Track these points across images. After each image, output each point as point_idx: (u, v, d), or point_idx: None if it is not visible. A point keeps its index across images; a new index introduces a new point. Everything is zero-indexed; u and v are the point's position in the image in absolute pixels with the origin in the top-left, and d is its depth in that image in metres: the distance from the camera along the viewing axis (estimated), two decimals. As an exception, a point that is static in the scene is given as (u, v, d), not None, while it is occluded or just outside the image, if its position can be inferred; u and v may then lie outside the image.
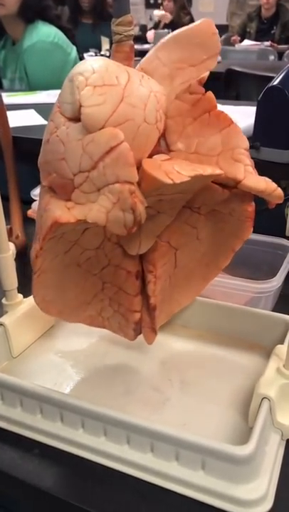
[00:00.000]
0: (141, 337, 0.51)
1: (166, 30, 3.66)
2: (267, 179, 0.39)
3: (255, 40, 3.86)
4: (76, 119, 0.35)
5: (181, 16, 4.15)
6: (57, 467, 0.41)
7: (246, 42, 3.83)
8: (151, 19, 5.04)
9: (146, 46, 3.78)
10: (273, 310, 0.59)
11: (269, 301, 0.61)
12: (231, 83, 1.44)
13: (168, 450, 0.39)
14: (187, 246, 0.47)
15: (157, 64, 0.40)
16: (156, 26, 4.29)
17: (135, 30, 4.06)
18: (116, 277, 0.45)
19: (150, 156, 0.41)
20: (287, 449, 0.42)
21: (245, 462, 0.37)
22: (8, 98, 1.34)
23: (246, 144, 0.40)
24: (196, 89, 0.40)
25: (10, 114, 0.92)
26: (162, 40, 0.41)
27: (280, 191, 0.39)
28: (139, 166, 0.36)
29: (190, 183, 0.37)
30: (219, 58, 2.85)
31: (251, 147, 0.86)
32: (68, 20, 3.15)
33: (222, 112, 0.40)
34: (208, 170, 0.36)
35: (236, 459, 0.37)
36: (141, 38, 4.13)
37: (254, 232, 0.50)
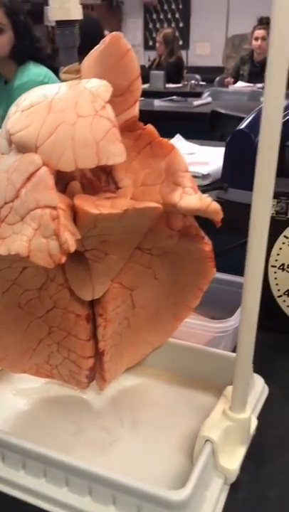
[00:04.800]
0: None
1: (161, 72, 3.77)
2: (202, 196, 0.39)
3: (249, 82, 3.96)
4: (9, 150, 0.36)
5: (167, 58, 4.32)
6: (-6, 510, 0.40)
7: (239, 84, 3.93)
8: (149, 60, 5.20)
9: (143, 86, 3.89)
10: (234, 350, 0.59)
11: (229, 341, 0.61)
12: (216, 124, 1.48)
13: (106, 494, 0.39)
14: (145, 286, 0.46)
15: None
16: (150, 67, 4.45)
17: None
18: (64, 321, 0.44)
19: (99, 194, 0.41)
20: (231, 494, 0.41)
21: (180, 507, 0.37)
22: None
23: (185, 166, 0.39)
24: (135, 127, 0.41)
25: None
26: (81, 69, 0.40)
27: (214, 205, 0.39)
28: (84, 175, 0.37)
29: (129, 219, 0.37)
30: (209, 99, 2.93)
31: (219, 188, 0.88)
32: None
33: (163, 140, 0.40)
34: (142, 204, 0.37)
35: (171, 503, 0.37)
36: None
37: (221, 271, 0.50)
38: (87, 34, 1.92)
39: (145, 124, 0.41)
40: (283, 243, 0.62)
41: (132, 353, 0.50)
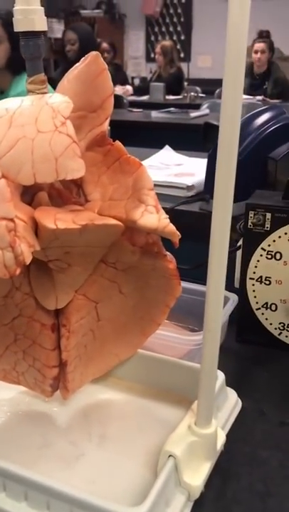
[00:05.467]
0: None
1: (161, 84, 3.80)
2: (161, 217, 0.39)
3: (249, 94, 3.98)
4: None
5: (167, 69, 4.35)
6: None
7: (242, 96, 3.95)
8: (151, 72, 5.24)
9: (143, 98, 3.91)
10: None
11: (205, 354, 0.60)
12: (209, 136, 1.48)
13: (63, 509, 0.38)
14: (110, 299, 0.46)
15: None
16: (150, 79, 4.49)
17: (135, 82, 4.20)
18: (29, 329, 0.44)
19: (67, 205, 0.41)
20: (194, 511, 0.41)
21: (138, 524, 0.36)
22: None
23: (151, 184, 0.40)
24: (104, 142, 0.41)
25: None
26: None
27: (171, 228, 0.39)
28: (53, 185, 0.38)
29: (90, 233, 0.37)
30: (207, 111, 2.94)
31: (202, 199, 0.88)
32: (62, 72, 3.28)
33: (130, 157, 0.41)
34: (102, 220, 0.37)
35: (128, 520, 0.36)
36: (141, 90, 4.28)
37: (203, 282, 0.50)
38: (85, 45, 1.94)
39: (114, 140, 0.42)
40: (261, 255, 0.62)
41: (98, 364, 0.49)
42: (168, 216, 0.40)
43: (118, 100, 3.09)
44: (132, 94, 4.08)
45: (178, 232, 0.40)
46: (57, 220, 0.35)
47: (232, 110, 0.34)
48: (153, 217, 0.39)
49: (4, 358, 0.45)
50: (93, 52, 0.40)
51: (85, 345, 0.46)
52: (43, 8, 0.39)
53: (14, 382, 0.48)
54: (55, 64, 6.04)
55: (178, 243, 0.41)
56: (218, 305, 0.39)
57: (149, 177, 0.40)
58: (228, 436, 0.47)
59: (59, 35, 6.09)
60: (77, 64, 0.40)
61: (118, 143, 0.41)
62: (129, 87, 4.30)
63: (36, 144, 0.35)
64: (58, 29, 6.07)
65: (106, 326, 0.48)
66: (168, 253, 0.44)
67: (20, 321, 0.44)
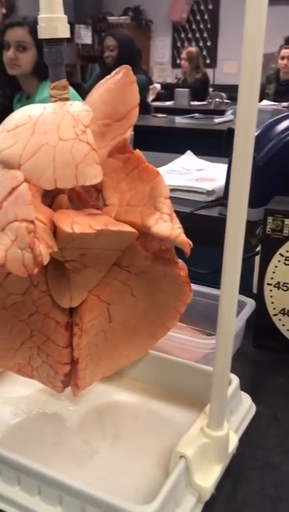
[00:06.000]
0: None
1: (186, 90, 3.80)
2: (175, 226, 0.40)
3: (274, 100, 3.96)
4: None
5: (193, 74, 4.36)
6: None
7: (265, 102, 3.93)
8: (176, 77, 5.26)
9: (168, 103, 3.93)
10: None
11: (221, 358, 0.60)
12: (231, 141, 1.48)
13: (75, 504, 0.39)
14: (123, 302, 0.47)
15: None
16: (176, 85, 4.51)
17: (157, 88, 4.19)
18: (44, 326, 0.45)
19: (86, 208, 0.43)
20: (204, 512, 0.41)
21: (147, 523, 0.36)
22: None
23: (167, 193, 0.41)
24: (124, 150, 0.42)
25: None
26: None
27: (182, 238, 0.40)
28: (73, 188, 0.39)
29: (105, 238, 0.38)
30: (232, 117, 2.93)
31: (221, 205, 0.88)
32: (98, 76, 3.31)
33: (149, 165, 0.42)
34: (117, 227, 0.38)
35: (138, 518, 0.36)
36: (166, 96, 4.29)
37: (220, 287, 0.50)
38: (124, 52, 1.97)
39: (134, 148, 0.43)
40: (279, 261, 0.62)
41: (109, 363, 0.50)
42: (181, 226, 0.41)
43: (144, 106, 3.10)
44: (155, 100, 4.09)
45: (190, 242, 0.41)
46: (74, 223, 0.37)
47: (247, 116, 0.34)
48: (166, 226, 0.40)
49: (20, 352, 0.47)
50: (124, 66, 0.42)
51: (96, 345, 0.47)
52: (66, 16, 0.41)
53: (28, 376, 0.49)
54: (81, 69, 6.12)
55: (189, 253, 0.41)
56: (231, 309, 0.40)
57: (166, 186, 0.41)
58: (241, 440, 0.47)
59: (86, 41, 6.18)
60: (109, 76, 0.42)
61: (138, 151, 0.42)
62: (157, 85, 4.32)
63: (58, 151, 0.37)
64: (86, 35, 6.15)
65: (117, 327, 0.49)
66: (180, 260, 0.45)
67: (36, 318, 0.45)
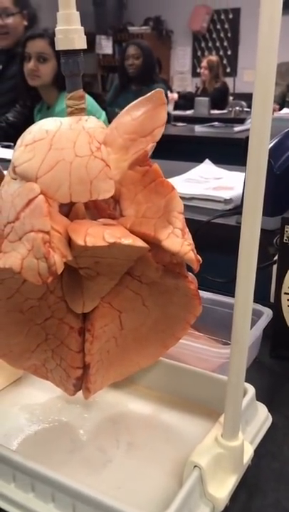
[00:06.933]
0: (96, 395, 0.51)
1: (206, 99, 3.81)
2: (186, 243, 0.41)
3: (298, 109, 3.94)
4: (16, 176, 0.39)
5: (212, 83, 4.37)
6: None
7: (285, 110, 3.92)
8: (196, 86, 5.27)
9: (188, 112, 3.94)
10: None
11: (237, 367, 0.60)
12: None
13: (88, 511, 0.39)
14: (134, 311, 0.48)
15: (114, 135, 0.44)
16: (195, 93, 4.53)
17: (174, 97, 4.20)
18: (59, 331, 0.46)
19: (102, 217, 0.43)
20: (218, 523, 0.41)
21: (159, 533, 0.36)
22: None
23: (181, 208, 0.42)
24: (144, 162, 0.43)
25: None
26: (120, 112, 0.45)
27: (190, 255, 0.41)
28: (88, 204, 0.40)
29: (118, 249, 0.39)
30: (252, 125, 2.93)
31: (238, 213, 0.87)
32: (116, 87, 3.35)
33: (165, 180, 0.43)
34: (128, 241, 0.38)
35: (150, 528, 0.36)
36: (186, 105, 4.30)
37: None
38: (147, 61, 2.03)
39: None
40: (296, 270, 0.61)
41: (119, 369, 0.51)
42: (192, 243, 0.42)
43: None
44: (175, 108, 4.10)
45: (199, 259, 0.42)
46: (87, 235, 0.37)
47: (261, 124, 0.34)
48: (177, 242, 0.40)
49: (36, 354, 0.48)
50: (159, 89, 0.43)
51: (107, 351, 0.48)
52: (82, 27, 0.41)
53: (43, 377, 0.50)
54: (102, 79, 6.19)
55: (198, 269, 0.42)
56: (245, 316, 0.40)
57: (180, 201, 0.42)
58: (256, 451, 0.46)
59: (107, 52, 6.25)
60: (142, 97, 0.43)
61: (156, 165, 0.43)
62: (175, 94, 4.34)
63: (74, 167, 0.38)
64: (106, 45, 6.22)
65: (128, 335, 0.50)
66: (190, 274, 0.45)
67: (51, 322, 0.46)
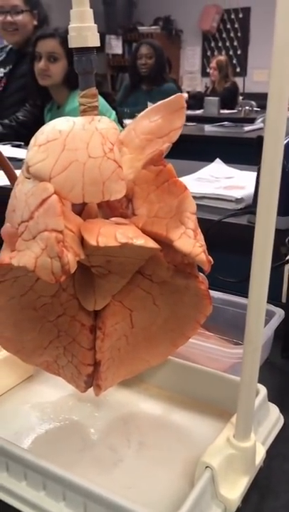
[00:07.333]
0: (107, 394, 0.51)
1: (216, 98, 3.80)
2: (197, 244, 0.40)
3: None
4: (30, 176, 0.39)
5: (222, 83, 4.35)
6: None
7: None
8: (206, 86, 5.26)
9: (198, 112, 3.93)
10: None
11: (248, 368, 0.60)
12: (261, 149, 1.47)
13: (98, 511, 0.39)
14: (145, 309, 0.48)
15: (132, 136, 0.44)
16: (205, 93, 4.51)
17: (185, 96, 4.23)
18: (71, 328, 0.46)
19: (115, 215, 0.43)
20: (230, 525, 0.40)
21: (171, 533, 0.36)
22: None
23: (193, 208, 0.42)
24: (158, 162, 0.43)
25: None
26: (139, 114, 0.45)
27: (202, 257, 0.41)
28: (101, 203, 0.40)
29: (129, 249, 0.39)
30: (261, 125, 2.91)
31: (250, 212, 0.87)
32: (127, 86, 3.35)
33: (178, 180, 0.43)
34: (140, 241, 0.38)
35: (162, 528, 0.36)
36: (196, 105, 4.29)
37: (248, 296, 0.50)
38: (159, 61, 2.06)
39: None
40: (308, 270, 0.61)
41: (130, 367, 0.51)
42: (204, 244, 0.41)
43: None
44: (187, 106, 4.09)
45: (210, 260, 0.42)
46: (100, 235, 0.37)
47: (276, 123, 0.34)
48: (189, 243, 0.40)
49: (48, 350, 0.48)
50: (179, 94, 0.44)
51: (118, 349, 0.48)
52: (96, 25, 0.41)
53: (55, 373, 0.50)
54: (111, 79, 6.19)
55: (209, 270, 0.42)
56: (259, 317, 0.39)
57: (193, 201, 0.42)
58: (268, 452, 0.46)
59: (117, 51, 6.25)
60: (161, 102, 0.44)
61: (170, 165, 0.43)
62: (184, 94, 4.34)
63: (87, 168, 0.38)
64: (116, 45, 6.22)
65: (139, 333, 0.50)
66: (201, 274, 0.45)
67: (63, 319, 0.46)
